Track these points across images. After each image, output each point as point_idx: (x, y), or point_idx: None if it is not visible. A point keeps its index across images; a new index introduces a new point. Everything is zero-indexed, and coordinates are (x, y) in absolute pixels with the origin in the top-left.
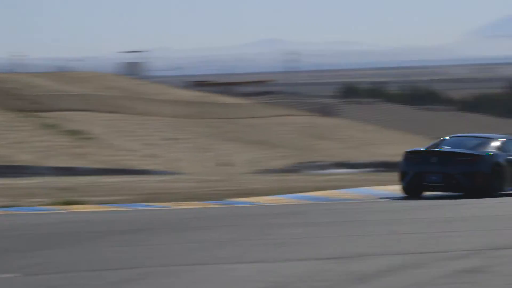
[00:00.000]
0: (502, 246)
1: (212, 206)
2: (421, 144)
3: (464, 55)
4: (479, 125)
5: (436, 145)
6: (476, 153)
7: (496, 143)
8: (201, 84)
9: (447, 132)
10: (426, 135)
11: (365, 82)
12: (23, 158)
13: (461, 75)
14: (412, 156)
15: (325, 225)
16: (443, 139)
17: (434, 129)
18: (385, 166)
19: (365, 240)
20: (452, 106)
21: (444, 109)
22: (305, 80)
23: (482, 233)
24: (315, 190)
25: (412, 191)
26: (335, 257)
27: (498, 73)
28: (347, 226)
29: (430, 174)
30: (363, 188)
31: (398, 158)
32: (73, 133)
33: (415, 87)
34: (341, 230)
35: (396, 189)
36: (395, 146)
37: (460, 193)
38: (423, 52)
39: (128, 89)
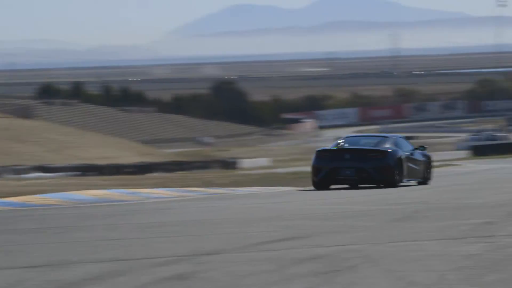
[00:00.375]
0: (210, 252)
1: None
2: (126, 147)
3: (166, 55)
4: (183, 126)
5: (340, 144)
6: (384, 149)
7: (392, 141)
8: None
9: (151, 134)
10: (128, 137)
11: (65, 83)
12: None
13: (163, 75)
14: (325, 154)
15: (27, 232)
16: (345, 138)
17: (138, 131)
18: (86, 170)
19: (72, 247)
20: (154, 107)
21: (145, 110)
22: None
23: (191, 238)
24: (13, 196)
25: (325, 185)
26: (37, 265)
27: (200, 73)
28: (51, 232)
29: (345, 169)
30: (65, 193)
31: (100, 161)
32: None
33: (116, 88)
34: (45, 237)
35: (97, 193)
36: (96, 149)
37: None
38: (125, 51)
39: None
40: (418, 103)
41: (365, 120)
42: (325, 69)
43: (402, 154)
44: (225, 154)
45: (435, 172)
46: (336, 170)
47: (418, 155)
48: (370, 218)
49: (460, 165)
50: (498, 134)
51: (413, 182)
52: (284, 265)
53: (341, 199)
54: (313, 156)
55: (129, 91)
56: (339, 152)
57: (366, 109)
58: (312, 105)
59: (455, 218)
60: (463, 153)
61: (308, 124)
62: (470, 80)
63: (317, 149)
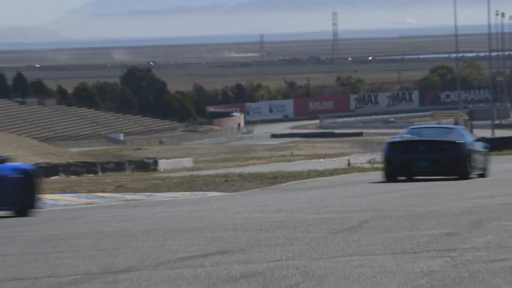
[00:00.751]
0: (124, 269)
1: None
2: (23, 146)
3: (66, 38)
4: (90, 120)
5: (406, 136)
6: (458, 141)
7: (458, 132)
8: None
9: (52, 130)
10: (26, 133)
11: None
12: None
13: (64, 61)
14: (398, 146)
15: None
16: (410, 130)
17: (37, 126)
18: None
19: None
20: (55, 99)
21: (45, 103)
22: None
23: (102, 253)
24: None
25: (400, 176)
26: None
27: (107, 58)
28: None
29: (419, 161)
30: None
31: None
32: None
33: (10, 76)
34: None
35: None
36: None
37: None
38: (17, 33)
39: None
40: (364, 94)
41: (303, 114)
42: (255, 54)
43: (471, 145)
44: (141, 154)
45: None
46: (410, 162)
47: (479, 146)
48: (313, 228)
49: None
50: None
51: (475, 174)
52: (214, 283)
53: (281, 205)
54: (384, 148)
55: (25, 80)
56: (412, 144)
57: (303, 100)
58: (241, 97)
59: (411, 228)
60: None
61: (237, 118)
62: (424, 68)
63: (388, 141)
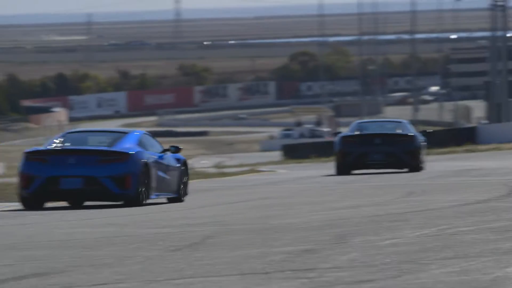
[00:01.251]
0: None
1: None
2: None
3: None
4: None
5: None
6: (410, 133)
7: (404, 126)
8: None
9: None
10: None
11: None
12: None
13: None
14: (352, 139)
15: None
16: (358, 124)
17: None
18: None
19: None
20: None
21: None
22: None
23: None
24: None
25: (350, 170)
26: None
27: None
28: None
29: (374, 154)
30: None
31: None
32: None
33: None
34: None
35: None
36: None
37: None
38: None
39: None
40: (212, 85)
41: (138, 109)
42: (81, 38)
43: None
44: None
45: (233, 182)
46: (365, 155)
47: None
48: (147, 245)
49: (270, 171)
50: (321, 129)
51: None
52: None
53: (109, 218)
54: (337, 142)
55: None
56: (367, 137)
57: (138, 93)
58: (63, 88)
59: (264, 244)
60: (275, 155)
61: (59, 114)
62: (283, 54)
63: (342, 134)
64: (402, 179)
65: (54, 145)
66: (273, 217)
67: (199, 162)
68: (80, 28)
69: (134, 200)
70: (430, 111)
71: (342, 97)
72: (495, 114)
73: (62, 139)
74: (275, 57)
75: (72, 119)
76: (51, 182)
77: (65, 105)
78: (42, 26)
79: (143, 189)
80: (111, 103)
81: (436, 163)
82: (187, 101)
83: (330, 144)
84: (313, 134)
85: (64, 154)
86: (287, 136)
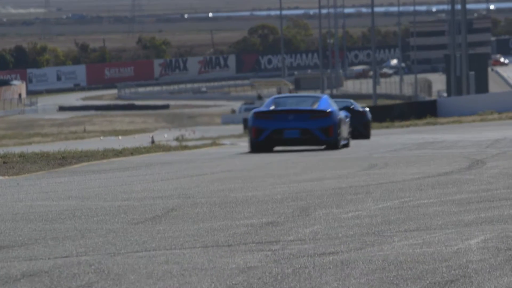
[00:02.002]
0: None
1: None
2: None
3: None
4: None
5: (276, 105)
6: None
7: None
8: None
9: None
10: None
11: None
12: None
13: None
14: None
15: None
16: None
17: None
18: None
19: None
20: None
21: None
22: None
23: None
24: None
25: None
26: None
27: None
28: None
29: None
30: None
31: None
32: None
33: None
34: None
35: None
36: None
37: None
38: None
39: None
40: (171, 58)
41: (97, 82)
42: (39, 10)
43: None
44: None
45: (194, 155)
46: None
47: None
48: (109, 218)
49: (232, 144)
50: None
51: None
52: None
53: (71, 191)
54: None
55: None
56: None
57: (98, 66)
58: (22, 61)
59: (226, 217)
60: (236, 129)
61: (17, 87)
62: (242, 27)
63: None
64: (363, 152)
65: (272, 107)
66: (236, 190)
67: (162, 135)
68: (38, 1)
69: (335, 144)
70: (390, 85)
71: (302, 70)
72: (455, 87)
73: (275, 102)
74: (235, 31)
75: (31, 92)
76: (276, 132)
77: (23, 78)
78: None
79: (339, 137)
80: (71, 76)
81: (398, 136)
82: (147, 74)
83: None
84: None
85: (285, 113)
86: (248, 109)
